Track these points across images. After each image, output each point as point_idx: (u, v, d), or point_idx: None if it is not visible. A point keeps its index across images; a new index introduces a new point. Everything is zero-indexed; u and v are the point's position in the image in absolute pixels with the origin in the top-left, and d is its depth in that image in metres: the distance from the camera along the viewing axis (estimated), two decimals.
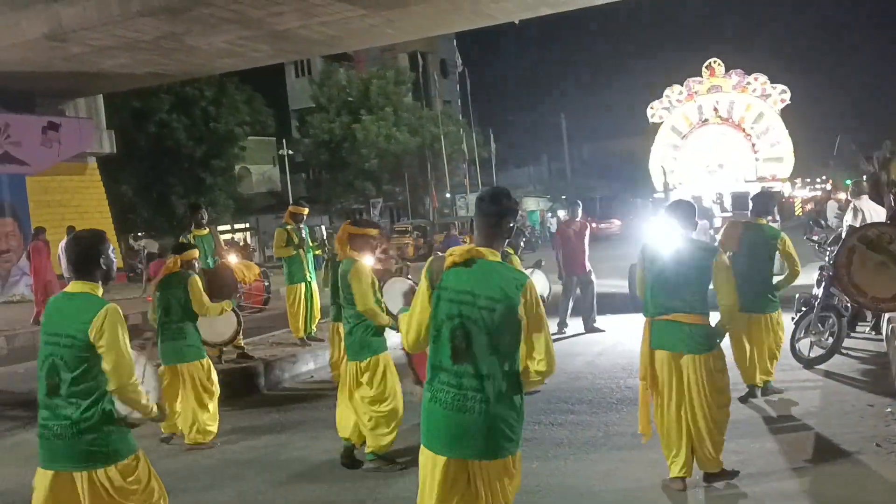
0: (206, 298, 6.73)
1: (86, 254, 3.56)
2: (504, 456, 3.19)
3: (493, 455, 3.16)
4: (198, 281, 6.78)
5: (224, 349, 8.97)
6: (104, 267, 3.59)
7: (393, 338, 6.01)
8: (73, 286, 3.56)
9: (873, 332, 9.21)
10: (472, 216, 3.68)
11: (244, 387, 8.56)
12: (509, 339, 3.16)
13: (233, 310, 7.95)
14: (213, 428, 6.72)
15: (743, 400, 6.74)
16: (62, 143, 21.15)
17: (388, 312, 5.81)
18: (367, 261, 5.86)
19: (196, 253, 7.08)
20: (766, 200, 7.30)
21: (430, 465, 3.22)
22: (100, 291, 3.59)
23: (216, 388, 6.80)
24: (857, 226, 8.42)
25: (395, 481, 5.52)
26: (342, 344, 6.44)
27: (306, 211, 10.50)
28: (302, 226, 10.31)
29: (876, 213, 9.22)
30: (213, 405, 6.72)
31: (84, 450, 3.43)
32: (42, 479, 3.51)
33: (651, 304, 5.02)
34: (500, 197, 3.32)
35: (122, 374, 3.44)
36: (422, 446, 3.28)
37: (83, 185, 23.00)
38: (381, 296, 5.90)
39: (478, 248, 3.25)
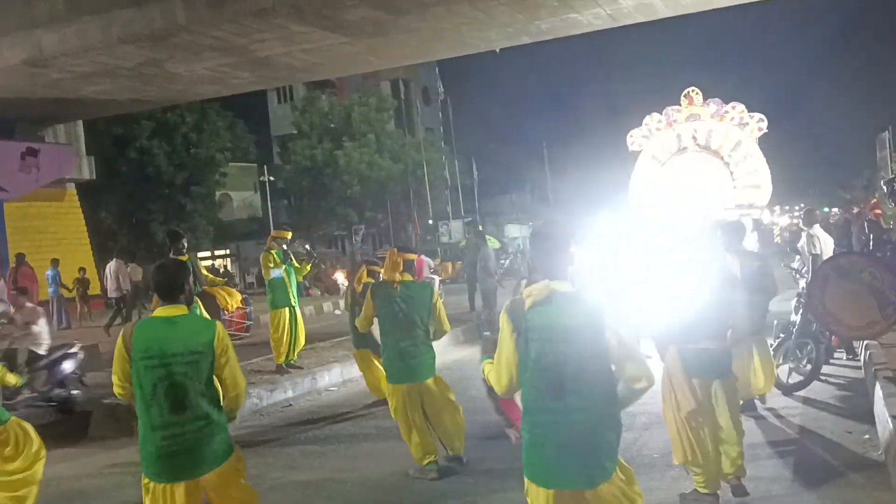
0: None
1: (173, 281, 3.82)
2: (603, 480, 3.23)
3: (601, 479, 3.21)
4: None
5: None
6: (188, 292, 3.88)
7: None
8: (167, 310, 3.77)
9: (850, 358, 9.30)
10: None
11: None
12: (600, 363, 3.23)
13: None
14: None
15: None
16: (41, 168, 21.03)
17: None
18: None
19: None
20: (734, 231, 7.25)
21: (543, 499, 3.26)
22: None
23: None
24: (816, 252, 8.65)
25: None
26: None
27: (289, 235, 10.51)
28: (287, 249, 10.32)
29: (827, 240, 9.69)
30: None
31: (216, 450, 3.70)
32: (157, 491, 3.64)
33: None
34: (555, 227, 3.43)
35: (240, 381, 3.84)
36: (529, 483, 3.33)
37: (62, 211, 22.84)
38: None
39: (551, 284, 3.28)
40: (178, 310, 3.78)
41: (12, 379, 5.85)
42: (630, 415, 7.15)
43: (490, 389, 3.91)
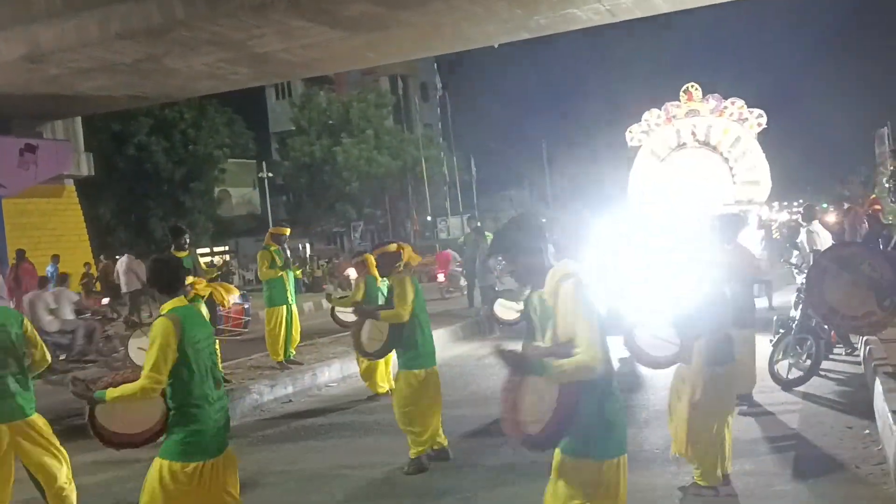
0: None
1: (174, 275, 4.04)
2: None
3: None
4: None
5: None
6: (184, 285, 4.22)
7: None
8: (178, 301, 3.96)
9: (848, 352, 9.30)
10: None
11: None
12: None
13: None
14: None
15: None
16: (39, 165, 20.95)
17: None
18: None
19: None
20: (732, 224, 7.27)
21: (623, 468, 3.24)
22: None
23: None
24: (816, 248, 8.66)
25: (381, 499, 5.46)
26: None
27: (288, 231, 10.44)
28: (286, 246, 10.27)
29: (826, 237, 9.67)
30: None
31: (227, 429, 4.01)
32: (205, 470, 3.78)
33: None
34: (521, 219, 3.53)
35: None
36: (611, 461, 3.20)
37: (60, 207, 22.77)
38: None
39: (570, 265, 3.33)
40: (180, 301, 3.97)
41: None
42: (630, 410, 7.15)
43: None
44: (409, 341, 6.12)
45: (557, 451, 3.24)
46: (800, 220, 11.86)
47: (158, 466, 3.74)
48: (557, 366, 3.03)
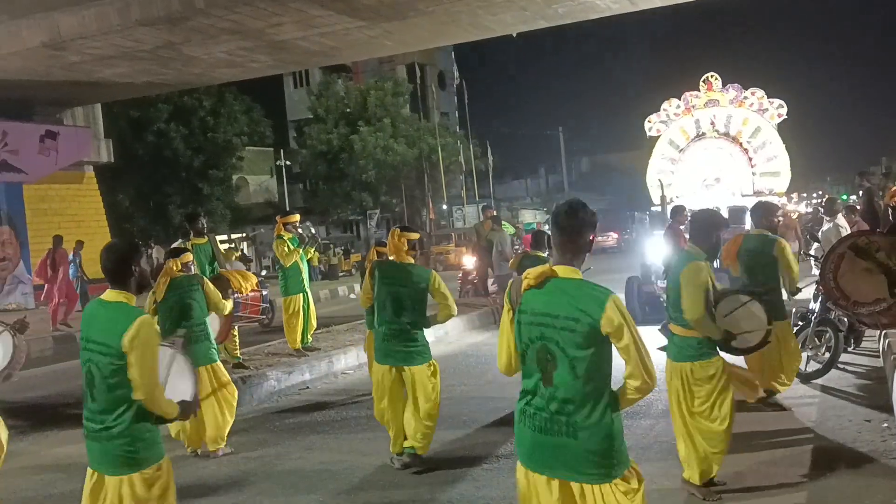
0: (220, 297, 6.86)
1: (121, 263, 3.64)
2: (595, 482, 3.02)
3: (587, 479, 3.03)
4: (208, 281, 6.93)
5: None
6: (137, 276, 3.68)
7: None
8: (109, 294, 3.64)
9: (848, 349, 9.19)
10: (549, 230, 3.63)
11: (239, 397, 8.51)
12: (593, 358, 3.01)
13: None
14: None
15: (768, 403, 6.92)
16: (59, 151, 21.17)
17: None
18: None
19: (190, 256, 7.08)
20: (766, 211, 7.30)
21: (526, 481, 3.15)
22: (133, 301, 3.67)
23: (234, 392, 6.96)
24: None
25: (395, 489, 5.49)
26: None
27: (297, 218, 10.36)
28: (300, 231, 10.22)
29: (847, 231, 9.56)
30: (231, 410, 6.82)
31: (114, 454, 3.53)
32: (87, 477, 3.66)
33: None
34: (576, 210, 3.16)
35: (150, 384, 3.51)
36: (518, 464, 3.20)
37: (80, 193, 22.98)
38: None
39: (552, 268, 3.12)
40: (118, 295, 3.65)
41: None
42: (647, 402, 7.16)
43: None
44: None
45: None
46: (822, 213, 11.71)
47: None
48: None
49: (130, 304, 3.62)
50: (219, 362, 6.85)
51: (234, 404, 6.88)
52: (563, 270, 3.10)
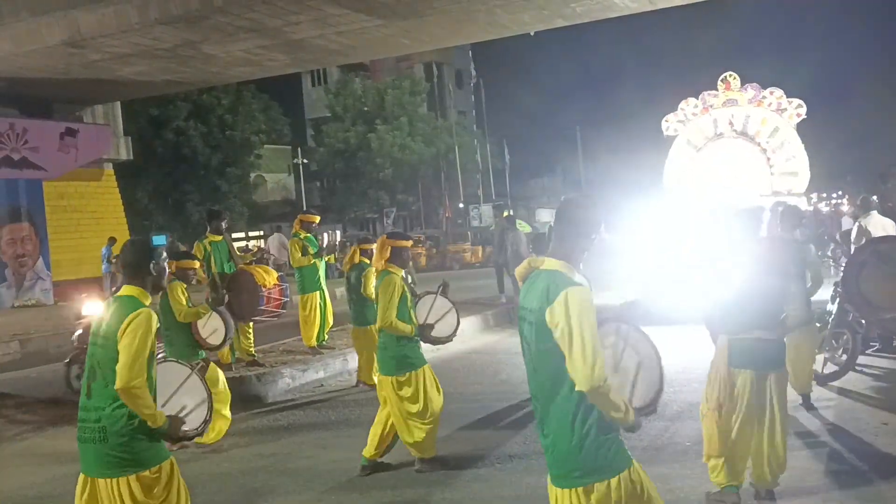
0: (183, 305, 6.67)
1: (139, 259, 3.59)
2: (560, 485, 2.93)
3: (557, 483, 2.95)
4: (178, 287, 6.73)
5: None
6: (155, 273, 3.61)
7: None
8: (125, 290, 3.58)
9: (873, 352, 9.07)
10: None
11: (253, 394, 8.56)
12: (548, 356, 2.87)
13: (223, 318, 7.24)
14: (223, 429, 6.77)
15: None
16: (79, 148, 21.35)
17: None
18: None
19: (196, 264, 7.06)
20: (794, 215, 7.16)
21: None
22: (148, 299, 3.58)
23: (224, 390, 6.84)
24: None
25: (407, 488, 5.50)
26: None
27: (317, 219, 10.45)
28: (317, 233, 10.31)
29: (884, 229, 9.22)
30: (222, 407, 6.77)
31: (109, 455, 3.38)
32: (80, 483, 3.51)
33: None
34: (574, 203, 3.07)
35: (130, 374, 3.30)
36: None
37: (99, 190, 23.17)
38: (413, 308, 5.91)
39: (540, 261, 3.01)
40: (132, 290, 3.61)
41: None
42: (662, 404, 7.08)
43: None
44: None
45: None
46: (855, 212, 11.33)
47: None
48: None
49: (140, 301, 3.51)
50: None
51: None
52: (549, 262, 2.97)
